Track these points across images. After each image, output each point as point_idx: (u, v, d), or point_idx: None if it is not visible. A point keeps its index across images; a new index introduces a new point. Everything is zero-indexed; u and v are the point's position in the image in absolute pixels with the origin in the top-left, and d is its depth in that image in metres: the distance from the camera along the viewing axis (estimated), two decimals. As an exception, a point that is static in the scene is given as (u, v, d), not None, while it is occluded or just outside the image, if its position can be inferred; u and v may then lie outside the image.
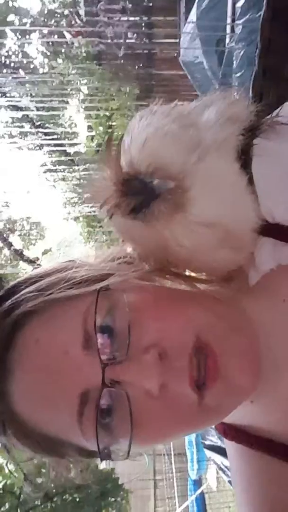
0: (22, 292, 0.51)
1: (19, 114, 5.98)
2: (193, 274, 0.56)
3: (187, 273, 0.56)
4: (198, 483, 6.16)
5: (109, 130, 5.63)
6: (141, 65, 5.87)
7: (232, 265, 0.53)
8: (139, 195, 0.46)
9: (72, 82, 5.66)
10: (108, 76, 5.54)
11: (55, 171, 6.00)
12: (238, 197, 0.50)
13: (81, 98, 5.75)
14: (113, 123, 5.71)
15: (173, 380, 0.44)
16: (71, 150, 5.97)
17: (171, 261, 0.52)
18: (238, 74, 2.65)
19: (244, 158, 0.52)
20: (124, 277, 0.52)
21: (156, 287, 0.54)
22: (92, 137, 5.95)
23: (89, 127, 6.00)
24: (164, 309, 0.48)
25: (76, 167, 5.76)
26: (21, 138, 6.48)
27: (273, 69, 1.07)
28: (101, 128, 5.87)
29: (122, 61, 5.51)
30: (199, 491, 6.04)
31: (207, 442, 2.72)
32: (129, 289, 0.50)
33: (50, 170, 6.04)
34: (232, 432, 0.56)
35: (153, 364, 0.44)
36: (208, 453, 2.90)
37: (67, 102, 5.86)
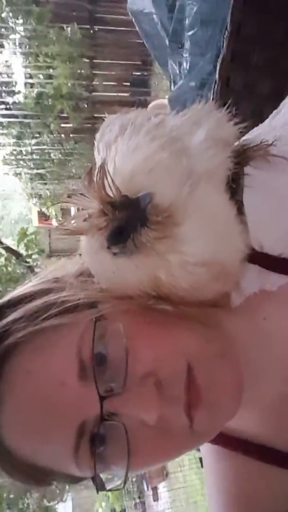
0: (9, 319, 0.48)
1: None
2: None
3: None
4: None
5: (51, 81, 5.25)
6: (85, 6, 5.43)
7: (220, 293, 0.53)
8: (127, 216, 0.43)
9: (7, 21, 5.14)
10: (48, 17, 5.08)
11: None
12: (228, 229, 0.49)
13: (18, 42, 5.26)
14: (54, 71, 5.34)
15: (170, 408, 0.45)
16: (9, 99, 5.53)
17: (158, 294, 0.51)
18: (190, 33, 2.52)
19: (234, 187, 0.51)
20: (116, 304, 0.50)
21: (146, 310, 0.53)
22: (32, 85, 5.53)
23: (28, 75, 5.56)
24: (156, 335, 0.48)
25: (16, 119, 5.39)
26: None
27: (241, 55, 1.04)
28: (41, 76, 5.47)
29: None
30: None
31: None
32: (121, 314, 0.49)
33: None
34: None
35: (151, 396, 0.44)
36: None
37: (1, 46, 5.34)
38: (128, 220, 0.42)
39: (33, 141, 5.84)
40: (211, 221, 0.47)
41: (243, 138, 0.60)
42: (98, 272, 0.48)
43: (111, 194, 0.42)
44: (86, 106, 5.94)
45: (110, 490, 0.47)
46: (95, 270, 0.48)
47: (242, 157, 0.51)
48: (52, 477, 0.51)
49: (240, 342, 0.53)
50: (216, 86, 1.11)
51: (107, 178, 0.43)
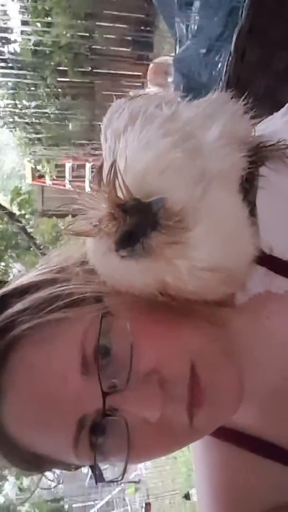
0: (14, 309, 0.48)
1: None
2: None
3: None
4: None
5: (49, 29, 4.97)
6: None
7: (225, 294, 0.52)
8: (137, 220, 0.42)
9: None
10: None
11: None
12: (239, 232, 0.48)
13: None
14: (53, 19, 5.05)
15: (173, 407, 0.45)
16: (4, 49, 5.25)
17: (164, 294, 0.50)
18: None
19: (248, 187, 0.49)
20: (122, 300, 0.49)
21: (152, 307, 0.53)
22: (29, 34, 5.24)
23: (25, 22, 5.26)
24: (162, 333, 0.48)
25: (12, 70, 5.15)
26: None
27: (260, 27, 0.98)
28: (38, 25, 5.17)
29: None
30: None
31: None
32: (127, 310, 0.49)
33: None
34: None
35: (154, 394, 0.44)
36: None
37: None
38: (139, 225, 0.41)
39: (29, 94, 5.61)
40: (222, 224, 0.46)
41: (258, 129, 0.58)
42: (104, 273, 0.47)
43: (122, 197, 0.41)
44: (85, 59, 5.68)
45: (109, 481, 0.49)
46: (102, 271, 0.47)
47: (258, 156, 0.49)
48: (52, 464, 0.52)
49: (241, 339, 0.53)
50: (230, 58, 1.05)
51: (118, 179, 0.41)
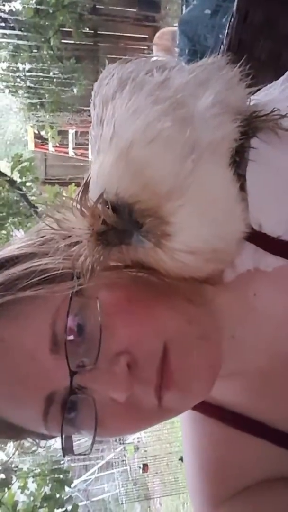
0: None
1: None
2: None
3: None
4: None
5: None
6: None
7: (213, 272, 0.51)
8: (120, 231, 0.41)
9: None
10: None
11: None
12: (229, 209, 0.46)
13: None
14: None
15: (140, 388, 0.45)
16: (5, 7, 5.03)
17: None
18: None
19: (238, 160, 0.47)
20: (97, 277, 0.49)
21: (129, 283, 0.52)
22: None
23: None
24: (136, 313, 0.47)
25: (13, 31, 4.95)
26: None
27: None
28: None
29: None
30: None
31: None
32: (101, 287, 0.48)
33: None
34: None
35: (122, 375, 0.44)
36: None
37: None
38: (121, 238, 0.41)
39: (31, 56, 5.43)
40: (212, 201, 0.44)
41: (255, 97, 0.55)
42: None
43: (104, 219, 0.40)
44: (90, 19, 5.45)
45: (78, 454, 0.49)
46: None
47: (250, 127, 0.47)
48: (26, 433, 0.52)
49: (228, 316, 0.53)
50: (232, 20, 1.00)
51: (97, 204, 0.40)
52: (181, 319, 0.48)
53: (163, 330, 0.46)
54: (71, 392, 0.45)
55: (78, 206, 0.40)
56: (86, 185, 0.40)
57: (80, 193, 0.40)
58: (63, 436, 0.46)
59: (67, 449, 0.47)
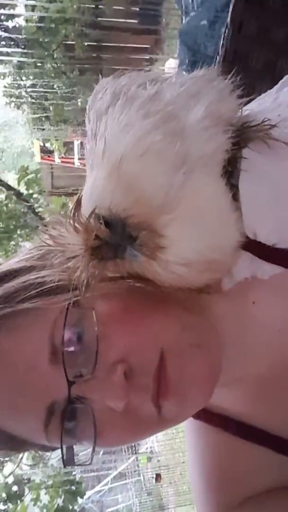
0: None
1: None
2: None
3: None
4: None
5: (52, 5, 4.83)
6: None
7: (210, 281, 0.52)
8: (113, 245, 0.42)
9: None
10: None
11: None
12: (222, 219, 0.47)
13: None
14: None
15: (137, 397, 0.46)
16: (8, 24, 5.14)
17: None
18: None
19: (230, 170, 0.48)
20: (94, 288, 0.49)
21: (125, 292, 0.52)
22: (33, 8, 5.11)
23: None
24: (131, 323, 0.48)
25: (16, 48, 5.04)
26: None
27: (257, -4, 0.92)
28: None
29: None
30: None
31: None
32: (97, 298, 0.48)
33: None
34: None
35: (119, 384, 0.45)
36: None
37: None
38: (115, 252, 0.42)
39: (35, 71, 5.52)
40: (205, 213, 0.45)
41: (248, 107, 0.56)
42: None
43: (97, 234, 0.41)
44: (92, 32, 5.53)
45: (79, 465, 0.49)
46: None
47: (242, 137, 0.48)
48: (28, 445, 0.53)
49: (227, 324, 0.53)
50: (227, 31, 1.01)
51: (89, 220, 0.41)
52: (177, 328, 0.48)
53: (159, 339, 0.47)
54: (69, 402, 0.45)
55: (72, 222, 0.41)
56: (78, 201, 0.41)
57: (73, 209, 0.41)
58: (63, 447, 0.47)
59: (68, 460, 0.48)
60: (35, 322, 0.47)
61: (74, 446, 0.49)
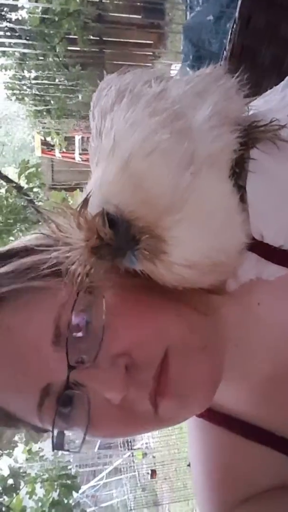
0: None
1: None
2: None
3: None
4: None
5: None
6: None
7: (215, 283, 0.51)
8: (114, 248, 0.41)
9: None
10: None
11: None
12: (229, 220, 0.46)
13: None
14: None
15: (135, 391, 0.45)
16: (11, 16, 5.10)
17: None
18: None
19: (238, 171, 0.47)
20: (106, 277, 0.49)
21: (137, 286, 0.51)
22: (37, 0, 5.07)
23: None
24: (140, 316, 0.48)
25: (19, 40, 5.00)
26: None
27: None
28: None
29: None
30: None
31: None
32: (109, 287, 0.48)
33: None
34: None
35: (118, 377, 0.44)
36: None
37: None
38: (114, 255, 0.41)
39: (37, 64, 5.49)
40: (211, 214, 0.44)
41: (255, 104, 0.55)
42: None
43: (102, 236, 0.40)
44: (95, 26, 5.49)
45: (67, 450, 0.50)
46: None
47: (249, 137, 0.47)
48: (21, 424, 0.53)
49: (232, 324, 0.53)
50: (235, 25, 1.00)
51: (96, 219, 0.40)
52: (184, 327, 0.48)
53: (165, 336, 0.46)
54: (67, 386, 0.45)
55: (76, 218, 0.40)
56: (86, 200, 0.40)
57: (80, 206, 0.40)
58: (55, 430, 0.47)
59: (57, 444, 0.48)
60: (43, 302, 0.47)
61: (65, 432, 0.48)
